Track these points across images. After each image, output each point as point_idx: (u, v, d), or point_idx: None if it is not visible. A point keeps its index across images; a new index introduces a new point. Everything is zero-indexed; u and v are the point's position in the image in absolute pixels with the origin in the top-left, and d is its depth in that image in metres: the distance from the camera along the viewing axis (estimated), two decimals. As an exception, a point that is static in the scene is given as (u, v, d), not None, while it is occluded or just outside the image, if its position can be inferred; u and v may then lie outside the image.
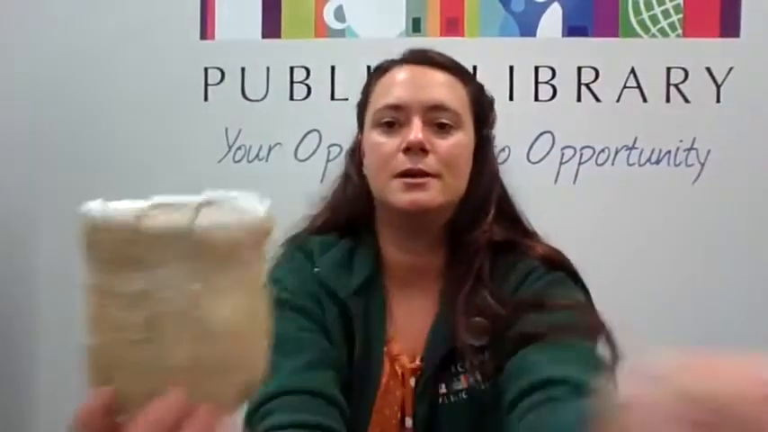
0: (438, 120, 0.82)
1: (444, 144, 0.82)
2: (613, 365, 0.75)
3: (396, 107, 0.82)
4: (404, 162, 0.80)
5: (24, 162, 1.96)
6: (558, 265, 0.84)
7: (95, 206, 0.35)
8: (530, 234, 0.89)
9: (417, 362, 0.85)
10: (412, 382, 0.84)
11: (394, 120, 0.83)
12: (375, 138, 0.84)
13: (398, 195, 0.81)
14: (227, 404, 0.38)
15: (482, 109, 0.89)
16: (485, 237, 0.83)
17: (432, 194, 0.80)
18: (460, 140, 0.83)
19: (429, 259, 0.87)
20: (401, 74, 0.85)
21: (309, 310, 0.84)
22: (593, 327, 0.77)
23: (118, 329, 0.36)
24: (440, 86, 0.84)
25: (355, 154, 0.92)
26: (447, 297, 0.84)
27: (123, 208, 0.35)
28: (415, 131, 0.79)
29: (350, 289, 0.85)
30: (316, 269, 0.87)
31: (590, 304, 0.84)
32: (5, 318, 1.95)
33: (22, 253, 1.97)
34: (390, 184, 0.81)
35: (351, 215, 0.92)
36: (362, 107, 0.91)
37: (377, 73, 0.90)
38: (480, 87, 0.91)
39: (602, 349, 0.78)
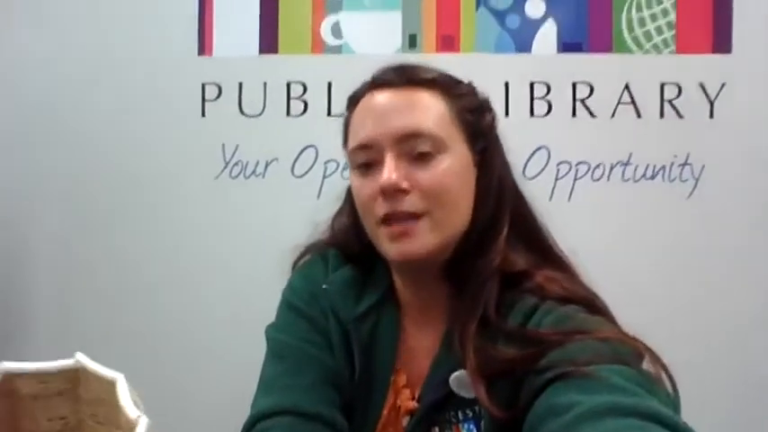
0: (415, 150, 0.72)
1: (426, 176, 0.71)
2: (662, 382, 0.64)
3: (365, 146, 0.74)
4: (383, 207, 0.72)
5: (19, 172, 1.96)
6: (580, 303, 0.71)
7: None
8: (553, 260, 0.78)
9: (414, 402, 0.79)
10: (404, 421, 0.79)
11: (368, 160, 0.74)
12: (354, 182, 0.76)
13: (387, 246, 0.73)
14: None
15: (473, 118, 0.78)
16: (491, 266, 0.73)
17: (421, 241, 0.71)
18: (447, 167, 0.72)
19: (433, 293, 0.78)
20: (368, 105, 0.76)
21: (318, 322, 0.82)
22: (629, 347, 0.65)
23: None
24: (411, 110, 0.73)
25: (351, 193, 0.83)
26: (448, 337, 0.75)
27: None
28: (387, 172, 0.70)
29: (354, 314, 0.81)
30: (324, 286, 0.84)
31: (614, 325, 0.73)
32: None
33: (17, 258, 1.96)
34: (377, 232, 0.74)
35: (360, 242, 0.83)
36: (345, 144, 0.82)
37: (351, 105, 0.81)
38: (468, 92, 0.80)
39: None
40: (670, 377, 0.66)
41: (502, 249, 0.74)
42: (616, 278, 1.77)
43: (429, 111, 0.73)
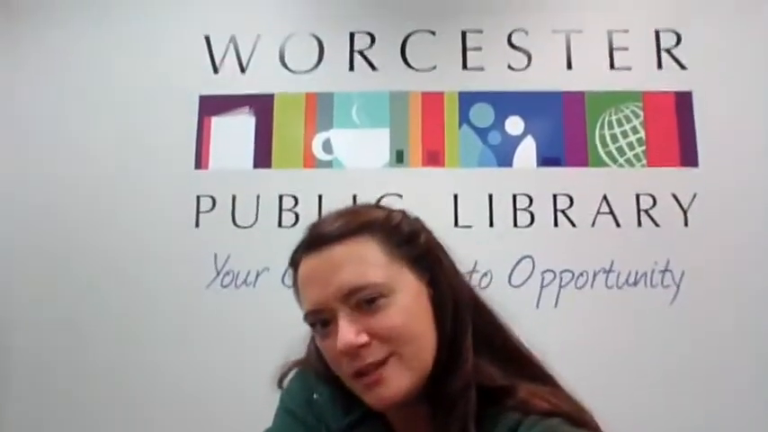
0: (362, 299, 0.71)
1: (380, 323, 0.70)
2: None
3: (316, 311, 0.73)
4: (349, 365, 0.71)
5: (12, 277, 1.97)
6: (564, 417, 0.69)
7: None
8: (528, 368, 0.77)
9: None
10: None
11: (323, 319, 0.73)
12: (319, 342, 0.76)
13: (364, 396, 0.73)
14: None
15: (409, 246, 0.76)
16: (464, 378, 0.72)
17: (395, 384, 0.70)
18: (398, 306, 0.72)
19: (416, 413, 0.76)
20: (306, 271, 0.75)
21: (313, 428, 0.83)
22: None
23: None
24: (342, 266, 0.72)
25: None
26: None
27: None
28: (342, 335, 0.70)
29: (342, 425, 0.81)
30: (315, 396, 0.85)
31: None
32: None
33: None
34: (352, 384, 0.73)
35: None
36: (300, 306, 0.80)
37: (293, 268, 0.80)
38: (397, 223, 0.77)
39: None
40: None
41: (470, 358, 0.73)
42: (602, 382, 1.78)
43: (363, 261, 0.73)
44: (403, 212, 0.80)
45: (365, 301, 0.70)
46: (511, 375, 0.74)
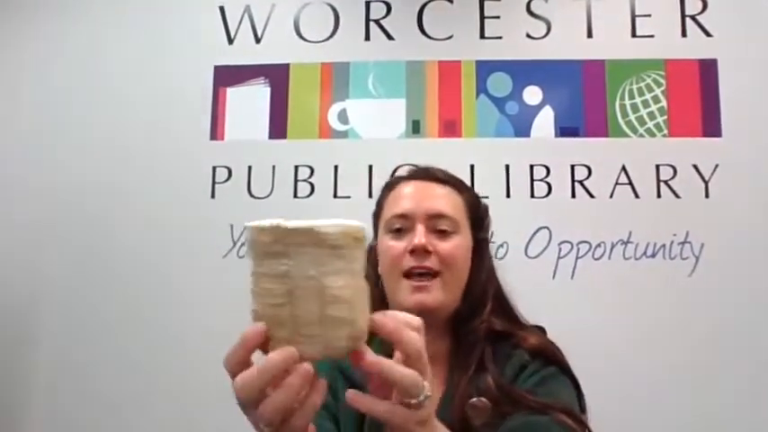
0: (439, 226, 0.93)
1: (444, 246, 0.92)
2: None
3: (403, 216, 0.94)
4: (411, 261, 0.91)
5: (33, 255, 2.00)
6: (550, 358, 0.91)
7: (254, 222, 0.53)
8: (522, 325, 0.98)
9: None
10: None
11: (402, 227, 0.94)
12: (386, 242, 0.95)
13: (406, 296, 0.90)
14: (340, 350, 0.54)
15: (477, 215, 0.99)
16: (483, 327, 0.92)
17: (434, 295, 0.90)
18: (458, 243, 0.93)
19: (436, 347, 0.91)
20: (407, 188, 0.97)
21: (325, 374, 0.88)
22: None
23: (268, 297, 0.53)
24: (439, 198, 0.95)
25: (371, 256, 1.00)
26: (453, 379, 0.90)
27: (270, 222, 0.52)
28: (419, 236, 0.91)
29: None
30: None
31: (576, 407, 0.89)
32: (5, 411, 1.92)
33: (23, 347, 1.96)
34: (400, 283, 0.92)
35: None
36: (376, 217, 1.01)
37: (387, 188, 1.01)
38: (476, 197, 1.02)
39: None
40: None
41: (489, 315, 0.94)
42: (619, 354, 1.79)
43: (452, 201, 0.96)
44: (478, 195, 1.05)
45: (439, 228, 0.92)
46: (508, 324, 0.95)
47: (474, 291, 0.95)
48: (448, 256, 0.91)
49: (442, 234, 0.92)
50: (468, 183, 1.88)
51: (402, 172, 1.02)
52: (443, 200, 0.95)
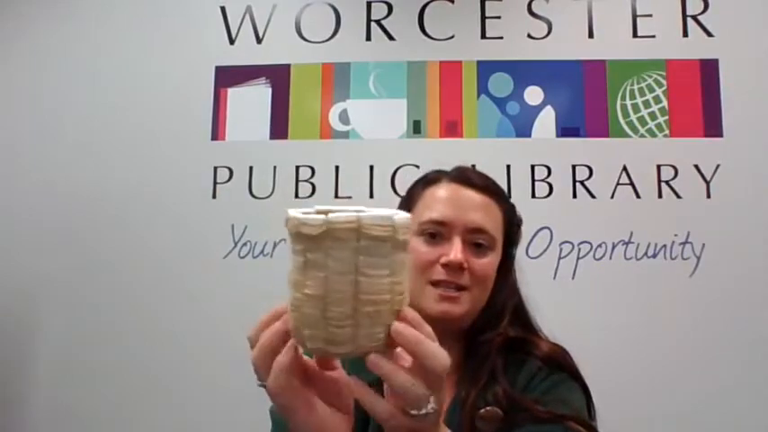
0: (476, 240, 0.90)
1: (479, 263, 0.89)
2: None
3: (440, 222, 0.90)
4: (442, 274, 0.88)
5: (33, 255, 2.00)
6: (561, 364, 0.89)
7: (296, 212, 0.51)
8: (537, 335, 0.96)
9: None
10: None
11: (437, 233, 0.90)
12: (418, 246, 0.90)
13: (432, 303, 0.88)
14: (376, 346, 0.52)
15: (512, 230, 0.97)
16: (499, 338, 0.90)
17: (462, 307, 0.88)
18: (492, 261, 0.91)
19: (450, 354, 0.90)
20: (446, 191, 0.93)
21: None
22: None
23: (303, 288, 0.51)
24: (480, 210, 0.91)
25: None
26: (462, 387, 0.88)
27: (312, 213, 0.51)
28: (456, 251, 0.88)
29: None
30: None
31: (585, 412, 0.88)
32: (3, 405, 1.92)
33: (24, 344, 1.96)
34: (426, 289, 0.89)
35: None
36: (406, 209, 0.94)
37: (423, 182, 0.97)
38: (513, 208, 0.98)
39: None
40: None
41: (506, 327, 0.92)
42: (620, 355, 1.78)
43: (492, 214, 0.92)
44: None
45: (477, 243, 0.89)
46: (524, 331, 0.94)
47: (495, 304, 0.93)
48: (481, 274, 0.89)
49: (479, 249, 0.90)
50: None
51: (444, 169, 0.97)
52: (484, 213, 0.91)
